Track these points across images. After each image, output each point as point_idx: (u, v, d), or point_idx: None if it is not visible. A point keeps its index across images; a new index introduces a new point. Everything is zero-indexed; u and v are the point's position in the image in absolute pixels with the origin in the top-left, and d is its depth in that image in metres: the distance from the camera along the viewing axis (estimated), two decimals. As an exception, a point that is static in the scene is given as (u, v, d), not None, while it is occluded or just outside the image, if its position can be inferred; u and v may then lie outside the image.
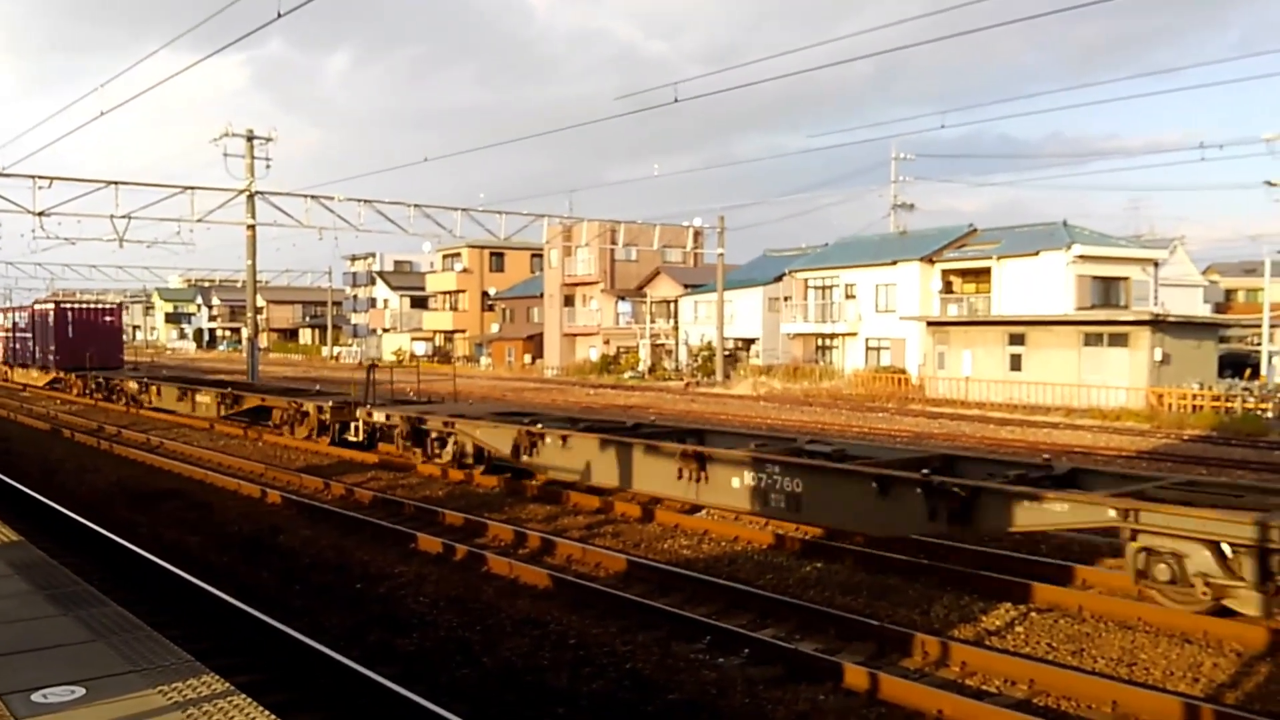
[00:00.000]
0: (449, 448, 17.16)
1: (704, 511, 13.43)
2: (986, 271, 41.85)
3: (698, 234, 53.84)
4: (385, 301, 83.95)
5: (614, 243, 47.26)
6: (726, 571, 10.76)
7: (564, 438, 14.62)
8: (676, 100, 19.84)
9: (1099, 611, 9.11)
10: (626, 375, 49.72)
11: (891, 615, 9.12)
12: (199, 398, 26.86)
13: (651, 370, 52.68)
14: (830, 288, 47.82)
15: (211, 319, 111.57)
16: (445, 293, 77.29)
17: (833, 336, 47.42)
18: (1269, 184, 29.64)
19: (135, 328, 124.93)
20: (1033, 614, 9.13)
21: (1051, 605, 9.33)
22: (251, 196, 34.07)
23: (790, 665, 7.78)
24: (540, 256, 68.61)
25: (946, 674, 7.73)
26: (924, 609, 9.32)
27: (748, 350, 52.47)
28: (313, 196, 34.45)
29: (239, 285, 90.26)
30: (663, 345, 56.19)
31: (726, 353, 48.74)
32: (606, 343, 60.46)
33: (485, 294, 74.66)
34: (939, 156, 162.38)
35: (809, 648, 8.21)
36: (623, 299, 61.29)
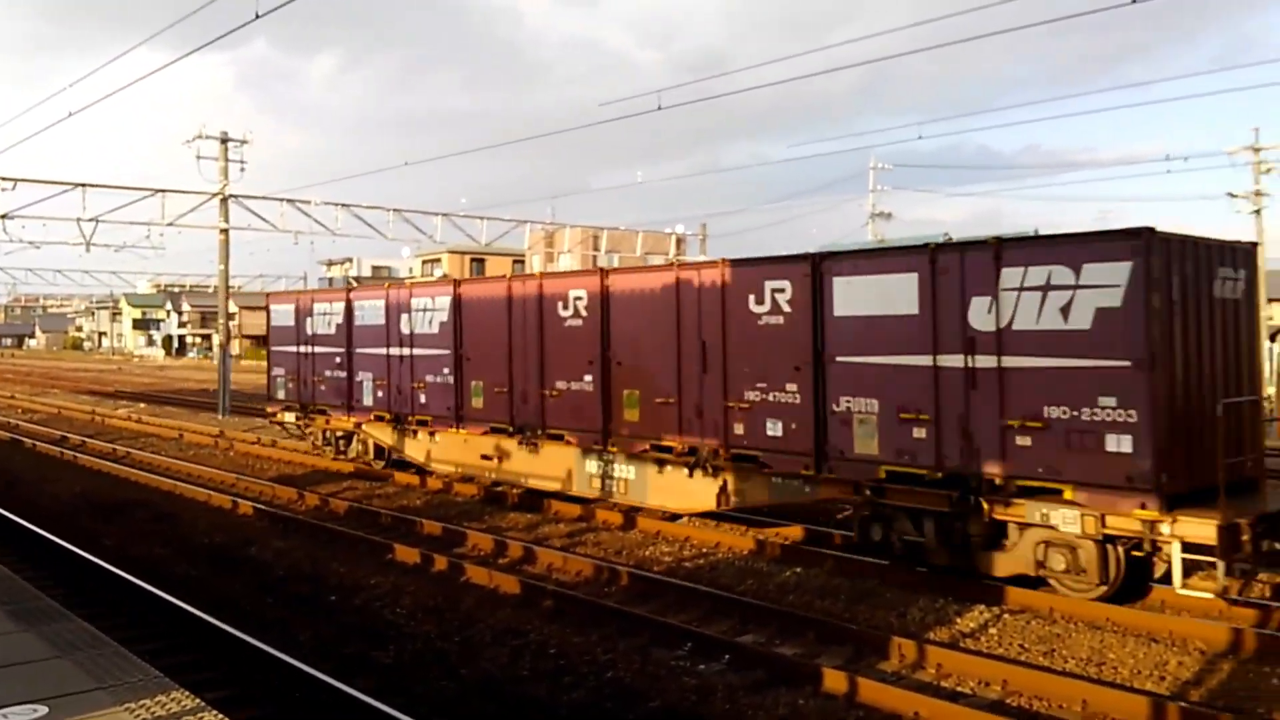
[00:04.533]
0: None
1: (684, 519, 13.23)
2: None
3: (680, 241, 53.88)
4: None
5: (596, 249, 47.22)
6: (708, 578, 10.75)
7: None
8: (660, 108, 19.76)
9: (1069, 613, 9.18)
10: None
11: (869, 618, 9.15)
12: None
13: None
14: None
15: (181, 325, 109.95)
16: (422, 298, 76.55)
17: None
18: (1231, 195, 30.11)
19: (101, 334, 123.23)
20: (1006, 615, 9.19)
21: (1024, 607, 9.40)
22: (225, 200, 33.74)
23: (770, 670, 7.78)
24: (522, 262, 68.35)
25: (923, 676, 7.76)
26: (901, 611, 9.35)
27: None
28: (289, 200, 34.17)
29: (210, 291, 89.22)
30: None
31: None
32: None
33: (463, 299, 74.15)
34: (918, 166, 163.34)
35: (789, 652, 8.22)
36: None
